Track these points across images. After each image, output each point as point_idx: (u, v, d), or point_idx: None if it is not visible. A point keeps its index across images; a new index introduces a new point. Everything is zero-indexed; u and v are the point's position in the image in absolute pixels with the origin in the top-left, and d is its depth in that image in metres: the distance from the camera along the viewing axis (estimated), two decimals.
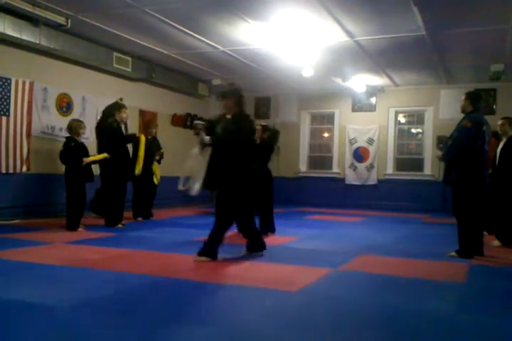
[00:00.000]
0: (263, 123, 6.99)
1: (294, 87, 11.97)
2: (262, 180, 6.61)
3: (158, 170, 8.27)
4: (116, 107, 7.14)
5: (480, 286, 4.00)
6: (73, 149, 6.59)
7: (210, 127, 4.81)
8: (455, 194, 5.14)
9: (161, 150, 8.43)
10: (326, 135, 13.09)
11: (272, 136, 6.79)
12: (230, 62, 9.52)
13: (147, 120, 9.98)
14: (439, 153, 5.69)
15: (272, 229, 6.65)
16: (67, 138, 6.74)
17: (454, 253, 5.18)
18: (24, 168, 7.64)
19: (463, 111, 5.24)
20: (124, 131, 7.22)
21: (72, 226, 6.54)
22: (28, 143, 7.69)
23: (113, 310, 3.03)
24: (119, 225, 7.03)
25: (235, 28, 7.37)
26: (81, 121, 6.91)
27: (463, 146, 4.98)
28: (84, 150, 6.70)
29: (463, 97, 5.26)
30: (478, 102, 5.19)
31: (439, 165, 11.58)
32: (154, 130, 8.65)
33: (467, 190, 5.03)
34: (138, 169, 7.71)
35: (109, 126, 6.98)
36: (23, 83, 7.60)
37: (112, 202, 7.01)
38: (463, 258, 5.04)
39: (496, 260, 5.12)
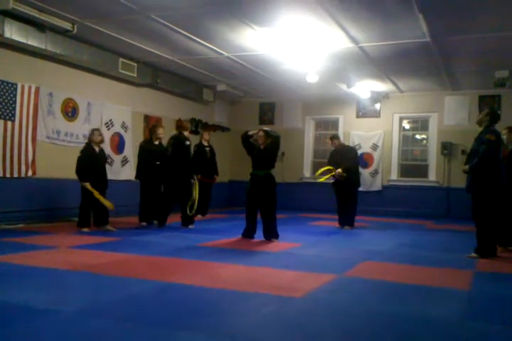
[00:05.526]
0: (265, 129, 6.88)
1: (299, 92, 11.97)
2: (266, 185, 6.61)
3: None
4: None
5: (485, 293, 3.98)
6: None
7: None
8: (476, 200, 5.57)
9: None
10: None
11: (275, 142, 6.68)
12: (235, 67, 9.54)
13: (152, 124, 9.97)
14: (466, 167, 5.85)
15: (275, 235, 6.63)
16: None
17: (474, 254, 5.54)
18: (30, 173, 7.67)
19: (479, 124, 5.75)
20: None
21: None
22: (34, 148, 7.73)
23: (116, 315, 3.03)
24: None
25: (240, 34, 7.40)
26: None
27: (491, 158, 5.47)
28: None
29: (484, 113, 5.79)
30: (495, 120, 5.70)
31: (443, 171, 11.59)
32: (161, 132, 8.19)
33: (489, 197, 5.50)
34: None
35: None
36: (29, 88, 7.65)
37: (164, 204, 7.85)
38: (483, 258, 5.45)
39: (501, 267, 5.10)
